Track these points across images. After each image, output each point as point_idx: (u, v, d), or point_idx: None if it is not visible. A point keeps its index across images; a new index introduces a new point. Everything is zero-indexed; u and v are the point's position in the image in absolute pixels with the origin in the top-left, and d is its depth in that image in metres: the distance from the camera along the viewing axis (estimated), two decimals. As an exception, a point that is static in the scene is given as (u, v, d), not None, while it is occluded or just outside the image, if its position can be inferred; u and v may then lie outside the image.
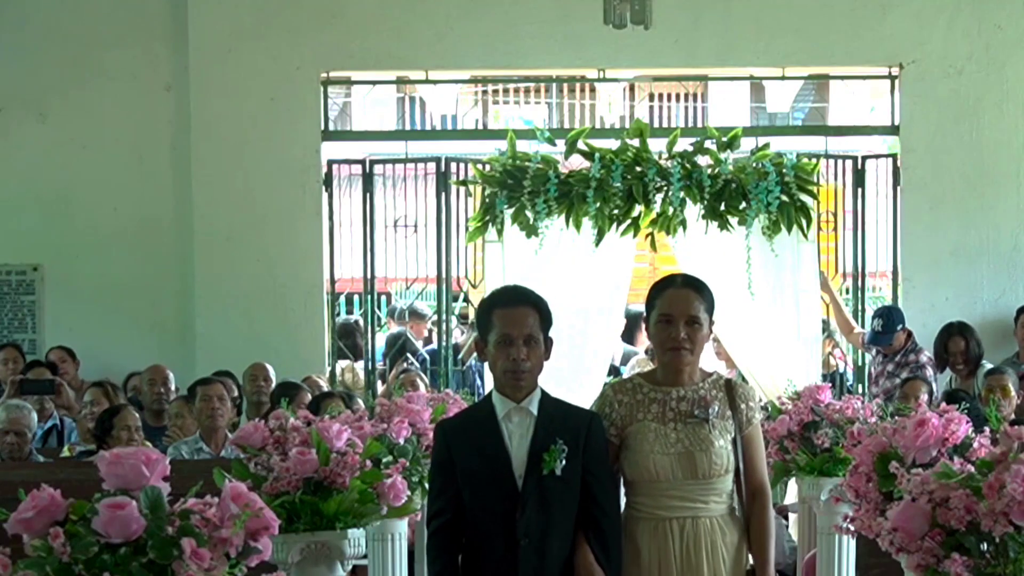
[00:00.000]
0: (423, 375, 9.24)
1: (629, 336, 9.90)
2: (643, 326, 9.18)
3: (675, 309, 4.38)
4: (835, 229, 9.97)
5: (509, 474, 4.28)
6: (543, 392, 4.38)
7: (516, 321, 4.30)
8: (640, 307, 9.87)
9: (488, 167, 8.29)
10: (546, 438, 4.27)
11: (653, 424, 4.40)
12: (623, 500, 4.52)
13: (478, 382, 9.72)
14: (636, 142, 8.08)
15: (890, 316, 9.13)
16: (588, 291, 8.00)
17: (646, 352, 9.37)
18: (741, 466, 4.42)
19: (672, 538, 4.38)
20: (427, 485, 5.21)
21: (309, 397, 7.70)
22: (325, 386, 8.97)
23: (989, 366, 8.91)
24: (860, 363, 9.84)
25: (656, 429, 4.39)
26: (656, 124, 14.23)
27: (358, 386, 9.84)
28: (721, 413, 4.40)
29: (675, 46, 9.99)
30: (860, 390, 9.47)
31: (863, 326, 9.60)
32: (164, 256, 10.18)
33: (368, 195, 10.06)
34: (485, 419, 4.35)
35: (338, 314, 10.55)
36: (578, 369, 7.73)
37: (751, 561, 4.48)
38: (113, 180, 10.20)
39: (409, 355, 10.08)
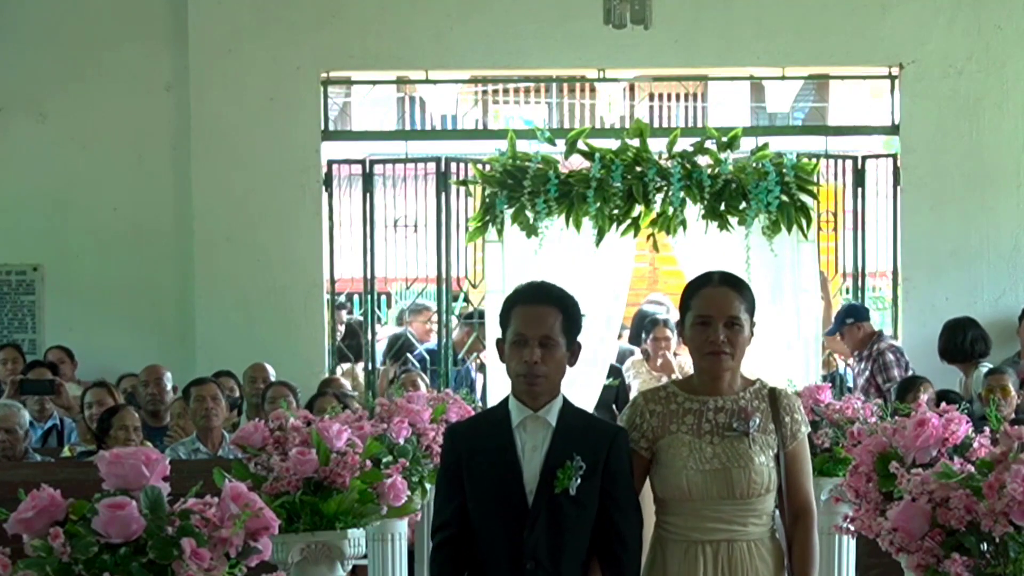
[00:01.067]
0: (423, 375, 9.23)
1: (636, 338, 9.90)
2: (653, 328, 9.26)
3: (713, 309, 4.01)
4: (835, 229, 9.98)
5: (519, 488, 3.90)
6: (565, 401, 4.02)
7: (534, 320, 3.93)
8: (649, 308, 9.96)
9: (488, 167, 8.29)
10: (563, 452, 3.89)
11: (687, 437, 4.01)
12: (653, 519, 4.12)
13: (476, 381, 9.72)
14: (636, 142, 8.08)
15: (845, 311, 9.29)
16: (588, 291, 8.00)
17: (643, 352, 9.38)
18: (784, 484, 4.02)
19: (705, 563, 3.98)
20: (427, 487, 5.21)
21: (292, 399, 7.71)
22: (348, 387, 8.98)
23: (987, 366, 8.92)
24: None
25: (691, 442, 4.00)
26: (656, 124, 14.23)
27: (359, 389, 9.83)
28: (763, 426, 4.02)
29: (675, 46, 9.98)
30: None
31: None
32: (164, 256, 10.18)
33: (368, 195, 10.06)
34: (498, 425, 3.97)
35: (350, 312, 10.55)
36: (576, 370, 7.71)
37: None
38: (113, 180, 10.19)
39: (409, 356, 10.09)
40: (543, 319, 3.93)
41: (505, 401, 4.03)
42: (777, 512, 4.08)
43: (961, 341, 9.24)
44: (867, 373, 9.02)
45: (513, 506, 3.90)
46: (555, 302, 3.97)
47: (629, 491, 3.99)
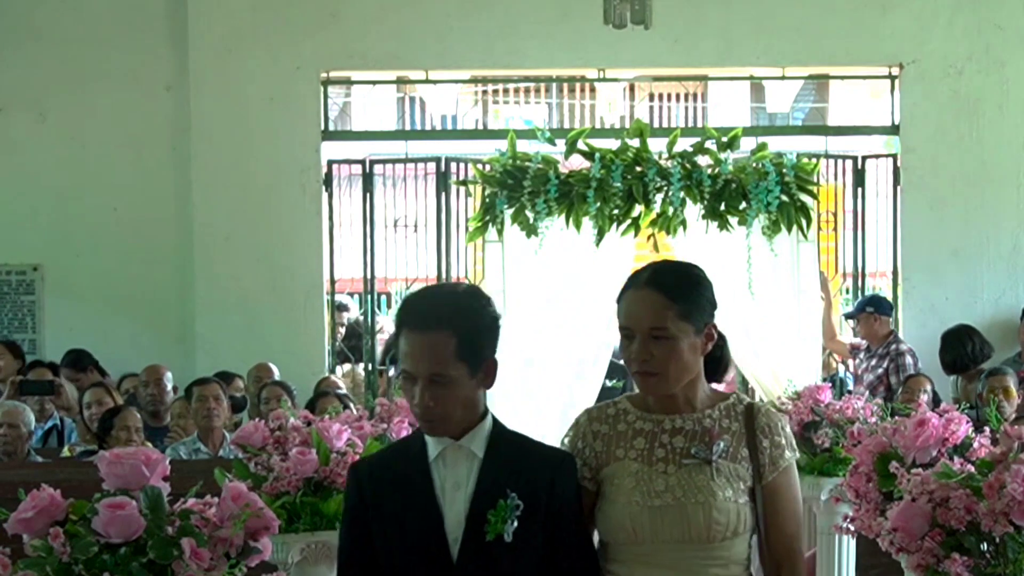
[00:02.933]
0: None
1: None
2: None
3: (632, 320, 3.24)
4: (835, 229, 9.98)
5: (439, 537, 3.14)
6: (496, 424, 3.23)
7: (420, 354, 3.12)
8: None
9: (488, 167, 8.28)
10: (493, 490, 3.14)
11: (635, 465, 3.24)
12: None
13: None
14: (636, 142, 8.07)
15: (869, 300, 9.26)
16: (588, 292, 8.00)
17: None
18: (762, 526, 3.25)
19: None
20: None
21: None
22: (344, 388, 8.98)
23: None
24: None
25: (639, 472, 3.23)
26: (656, 124, 14.24)
27: (358, 391, 9.83)
28: (732, 452, 3.24)
29: (675, 46, 9.99)
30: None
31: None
32: (164, 256, 10.18)
33: (368, 195, 10.07)
34: (412, 460, 3.21)
35: (355, 313, 10.51)
36: (575, 374, 7.72)
37: None
38: (113, 180, 10.20)
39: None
40: (431, 351, 3.10)
41: (419, 430, 3.26)
42: (757, 558, 3.31)
43: (970, 350, 9.21)
44: (879, 371, 8.99)
45: (433, 559, 3.15)
46: (446, 323, 3.10)
47: (580, 531, 3.24)
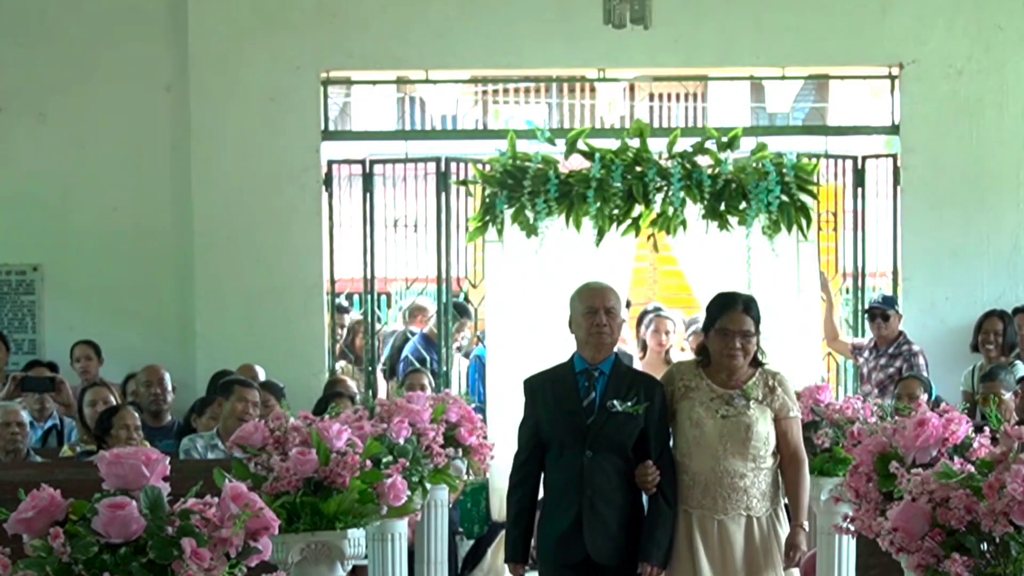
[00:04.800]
0: (429, 375, 9.24)
1: None
2: (656, 320, 9.29)
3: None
4: (835, 229, 9.97)
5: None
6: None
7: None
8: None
9: (488, 167, 8.30)
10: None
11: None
12: None
13: (477, 380, 9.73)
14: (636, 142, 8.09)
15: (891, 300, 9.39)
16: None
17: (640, 342, 9.40)
18: None
19: None
20: (427, 486, 5.52)
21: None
22: (353, 388, 8.98)
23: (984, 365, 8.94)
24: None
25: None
26: (656, 124, 14.24)
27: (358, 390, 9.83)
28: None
29: (675, 46, 9.98)
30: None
31: (863, 325, 9.62)
32: (164, 256, 10.17)
33: (368, 195, 10.06)
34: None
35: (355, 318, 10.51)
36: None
37: None
38: (113, 180, 10.18)
39: (409, 356, 10.10)
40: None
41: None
42: None
43: (1001, 330, 9.25)
44: (890, 370, 8.98)
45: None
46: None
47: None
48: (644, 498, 5.42)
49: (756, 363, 5.46)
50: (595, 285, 5.59)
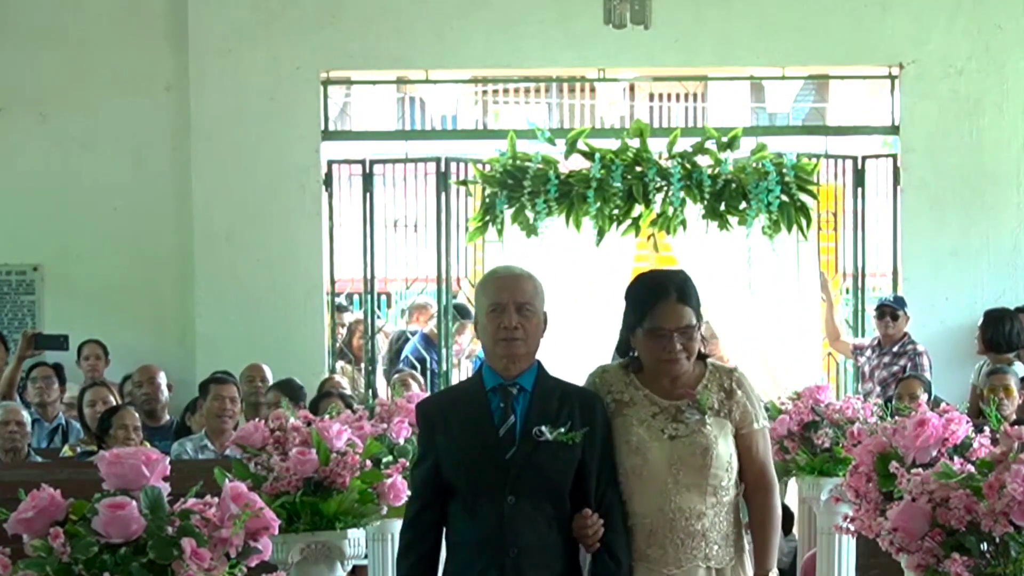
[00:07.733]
0: (417, 375, 9.23)
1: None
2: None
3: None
4: (835, 229, 9.97)
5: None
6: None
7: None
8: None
9: (488, 167, 8.30)
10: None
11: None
12: None
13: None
14: (636, 142, 8.10)
15: (901, 300, 9.37)
16: (588, 292, 8.01)
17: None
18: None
19: None
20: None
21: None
22: (346, 387, 8.97)
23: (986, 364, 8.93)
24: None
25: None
26: (656, 124, 14.22)
27: (356, 392, 9.83)
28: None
29: (675, 46, 9.97)
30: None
31: (863, 325, 9.63)
32: (164, 256, 10.17)
33: (368, 195, 10.06)
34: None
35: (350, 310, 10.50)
36: (575, 372, 7.72)
37: None
38: (113, 180, 10.18)
39: (409, 356, 10.10)
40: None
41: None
42: None
43: (1008, 331, 9.23)
44: (894, 368, 8.98)
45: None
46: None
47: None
48: (583, 554, 4.07)
49: (701, 356, 4.17)
50: (503, 272, 4.19)
